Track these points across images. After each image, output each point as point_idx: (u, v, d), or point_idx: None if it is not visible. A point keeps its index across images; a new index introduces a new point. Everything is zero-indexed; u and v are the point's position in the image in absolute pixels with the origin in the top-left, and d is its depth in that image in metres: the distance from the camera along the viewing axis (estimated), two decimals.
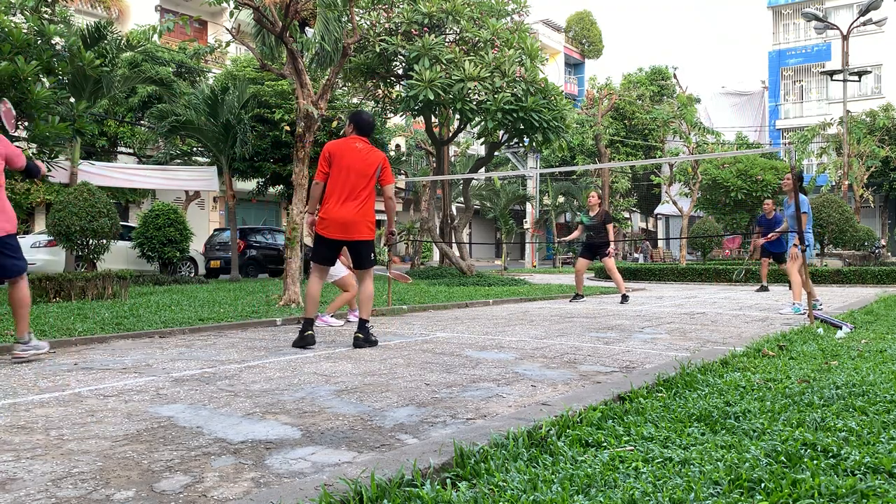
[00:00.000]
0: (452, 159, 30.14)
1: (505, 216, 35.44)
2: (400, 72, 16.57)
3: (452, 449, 2.31)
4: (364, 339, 5.52)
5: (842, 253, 19.86)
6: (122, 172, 16.97)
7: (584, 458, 2.30)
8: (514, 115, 14.04)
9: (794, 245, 6.76)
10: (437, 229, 17.80)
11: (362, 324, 5.58)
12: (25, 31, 9.60)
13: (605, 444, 2.46)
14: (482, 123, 14.57)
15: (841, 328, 5.81)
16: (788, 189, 8.37)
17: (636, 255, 39.22)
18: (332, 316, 7.43)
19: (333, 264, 5.82)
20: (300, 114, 9.15)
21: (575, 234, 11.30)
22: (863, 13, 22.29)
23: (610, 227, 10.86)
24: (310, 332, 5.50)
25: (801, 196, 8.48)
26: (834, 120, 27.94)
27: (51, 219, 11.62)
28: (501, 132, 16.21)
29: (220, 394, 3.74)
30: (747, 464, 2.16)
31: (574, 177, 38.21)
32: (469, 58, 14.15)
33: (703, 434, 2.58)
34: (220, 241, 19.27)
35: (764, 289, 13.29)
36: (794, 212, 6.81)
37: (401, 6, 15.13)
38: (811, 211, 8.49)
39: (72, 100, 12.24)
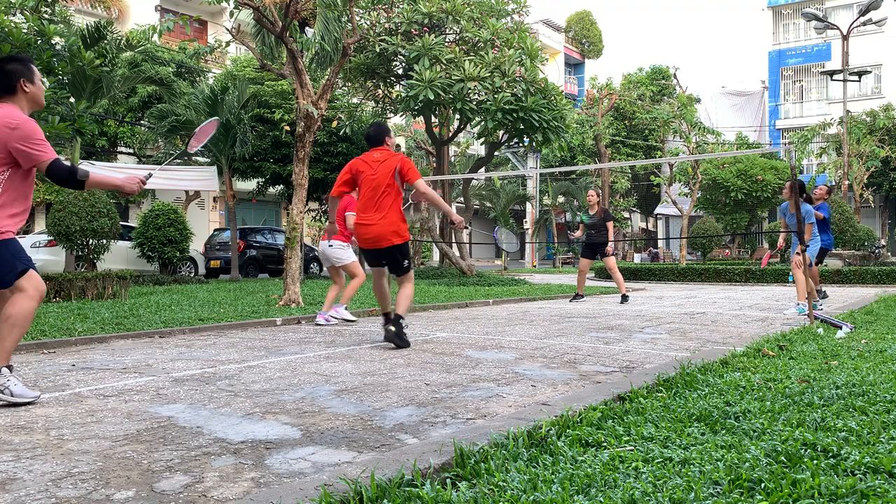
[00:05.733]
0: (452, 159, 30.14)
1: (505, 216, 35.42)
2: (400, 72, 16.57)
3: (452, 449, 2.31)
4: (395, 334, 5.47)
5: (842, 253, 19.85)
6: (123, 172, 16.96)
7: (584, 458, 2.30)
8: (514, 115, 14.03)
9: (797, 252, 6.78)
10: (437, 229, 17.79)
11: (396, 319, 5.57)
12: (25, 31, 9.58)
13: (605, 444, 2.46)
14: (482, 123, 14.57)
15: (841, 328, 5.81)
16: (787, 196, 8.34)
17: (644, 256, 39.04)
18: (345, 308, 7.67)
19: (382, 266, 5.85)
20: (300, 114, 9.15)
21: (577, 233, 11.28)
22: (863, 13, 22.29)
23: (610, 224, 10.84)
24: (391, 327, 5.50)
25: (807, 205, 8.45)
26: (834, 120, 27.92)
27: (51, 219, 11.63)
28: (501, 132, 16.21)
29: (220, 394, 3.74)
30: (747, 464, 2.16)
31: (574, 177, 38.20)
32: (469, 58, 14.15)
33: (703, 434, 2.58)
34: (220, 241, 19.27)
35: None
36: (794, 217, 6.83)
37: (401, 6, 15.13)
38: (814, 216, 8.43)
39: (72, 100, 12.24)
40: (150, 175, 3.93)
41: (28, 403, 3.46)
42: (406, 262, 5.64)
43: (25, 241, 15.18)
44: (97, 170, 3.73)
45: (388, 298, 5.76)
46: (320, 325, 7.25)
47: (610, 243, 10.77)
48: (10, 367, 3.49)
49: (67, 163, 3.58)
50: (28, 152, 3.42)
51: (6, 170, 3.45)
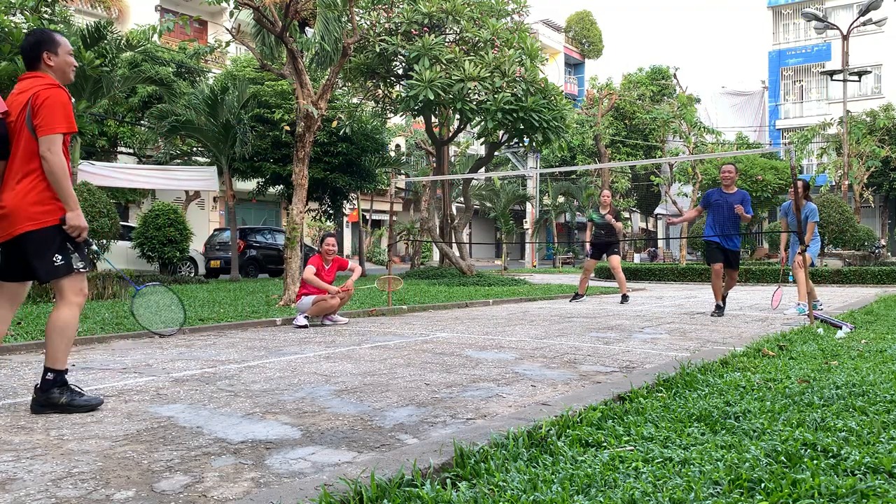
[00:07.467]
0: (452, 159, 30.13)
1: (505, 216, 35.42)
2: (400, 72, 16.57)
3: (452, 449, 2.31)
4: (39, 402, 3.31)
5: (842, 253, 19.85)
6: (122, 172, 16.96)
7: (584, 458, 2.30)
8: (514, 115, 14.03)
9: (799, 252, 6.80)
10: (437, 229, 17.79)
11: (43, 378, 3.35)
12: (25, 31, 9.59)
13: (605, 444, 2.46)
14: (482, 123, 14.56)
15: (841, 328, 5.81)
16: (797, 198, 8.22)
17: (644, 256, 39.04)
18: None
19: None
20: (300, 114, 9.15)
21: (588, 235, 11.32)
22: (863, 13, 22.28)
23: (619, 225, 10.98)
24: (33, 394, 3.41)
25: (811, 204, 8.44)
26: (834, 120, 27.91)
27: None
28: (501, 132, 16.21)
29: (220, 394, 3.74)
30: (747, 464, 2.16)
31: (574, 177, 38.20)
32: (469, 58, 14.14)
33: (703, 434, 2.58)
34: (220, 241, 19.27)
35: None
36: (795, 216, 6.83)
37: (401, 6, 15.13)
38: (818, 215, 8.39)
39: (72, 100, 12.23)
40: None
41: None
42: (60, 258, 3.28)
43: None
44: None
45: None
46: (326, 325, 7.41)
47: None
48: None
49: None
50: None
51: None
